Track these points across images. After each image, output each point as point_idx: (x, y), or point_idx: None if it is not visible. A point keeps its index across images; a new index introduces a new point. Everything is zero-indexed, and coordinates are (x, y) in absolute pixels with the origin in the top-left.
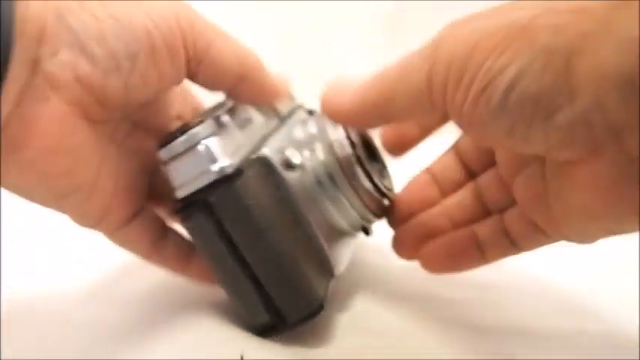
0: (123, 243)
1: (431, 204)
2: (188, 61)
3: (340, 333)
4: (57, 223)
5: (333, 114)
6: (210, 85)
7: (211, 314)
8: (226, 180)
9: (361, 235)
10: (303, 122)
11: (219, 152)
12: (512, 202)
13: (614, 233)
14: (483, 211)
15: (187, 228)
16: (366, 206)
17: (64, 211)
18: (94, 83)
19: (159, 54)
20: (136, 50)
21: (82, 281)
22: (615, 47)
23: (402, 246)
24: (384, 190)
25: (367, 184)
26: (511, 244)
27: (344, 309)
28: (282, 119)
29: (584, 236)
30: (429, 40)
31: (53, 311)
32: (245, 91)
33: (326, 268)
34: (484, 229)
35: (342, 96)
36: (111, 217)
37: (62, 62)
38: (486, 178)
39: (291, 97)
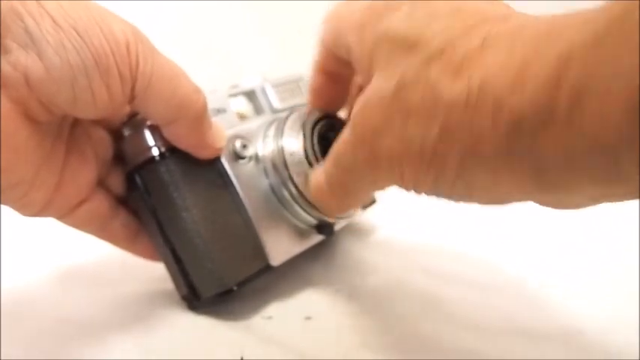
0: (72, 225)
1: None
2: (131, 90)
3: (339, 333)
4: (53, 222)
5: (330, 215)
6: (144, 115)
7: (211, 314)
8: (151, 161)
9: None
10: (280, 117)
11: (158, 136)
12: None
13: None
14: None
15: (129, 201)
16: (310, 204)
17: (3, 203)
18: (44, 89)
19: (112, 77)
20: (93, 68)
21: (80, 281)
22: (530, 175)
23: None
24: None
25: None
26: None
27: (343, 309)
28: (276, 112)
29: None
30: (350, 161)
31: (52, 311)
32: (174, 134)
33: (259, 255)
34: None
35: (324, 198)
36: (54, 208)
37: (14, 62)
38: None
39: (302, 93)
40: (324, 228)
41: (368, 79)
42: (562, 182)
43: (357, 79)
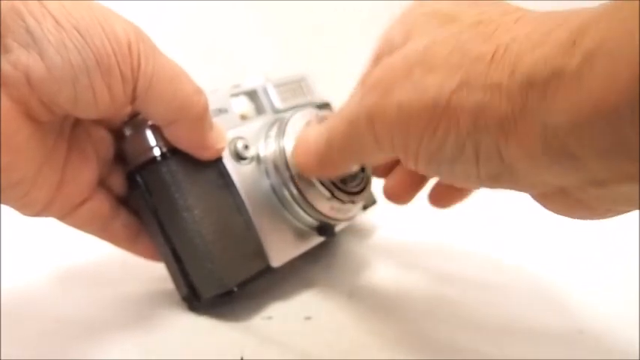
0: (73, 225)
1: None
2: (132, 90)
3: (339, 333)
4: (53, 222)
5: (305, 172)
6: (146, 115)
7: (211, 314)
8: (153, 161)
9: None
10: (282, 118)
11: (159, 136)
12: None
13: None
14: None
15: (130, 201)
16: (311, 205)
17: (3, 203)
18: (45, 89)
19: (114, 77)
20: (95, 68)
21: (80, 281)
22: (537, 134)
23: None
24: (335, 191)
25: (314, 181)
26: None
27: (343, 309)
28: (278, 112)
29: None
30: (354, 110)
31: (52, 311)
32: (175, 134)
33: (259, 256)
34: None
35: (308, 155)
36: (55, 208)
37: (15, 61)
38: None
39: (305, 93)
40: (325, 229)
41: None
42: (568, 148)
43: None
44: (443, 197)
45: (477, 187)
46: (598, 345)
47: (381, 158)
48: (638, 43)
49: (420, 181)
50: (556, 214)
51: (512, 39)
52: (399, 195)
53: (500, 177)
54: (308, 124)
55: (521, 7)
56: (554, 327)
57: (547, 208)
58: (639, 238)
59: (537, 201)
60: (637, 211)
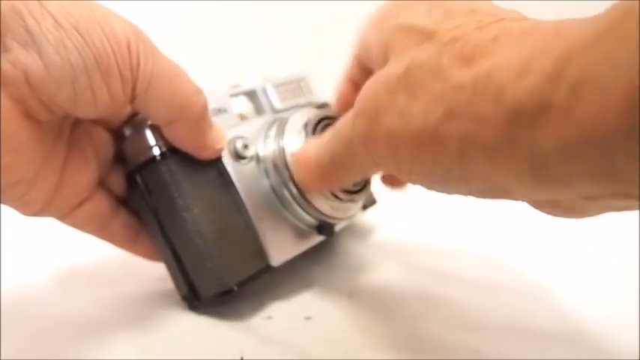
0: (72, 225)
1: None
2: (132, 90)
3: (339, 333)
4: (53, 222)
5: (307, 187)
6: (145, 115)
7: (211, 314)
8: (152, 161)
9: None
10: (281, 118)
11: (159, 136)
12: None
13: None
14: None
15: (130, 200)
16: (311, 205)
17: (3, 203)
18: (44, 88)
19: (113, 77)
20: (94, 68)
21: (80, 281)
22: (528, 163)
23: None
24: (336, 191)
25: None
26: None
27: (343, 309)
28: (277, 112)
29: None
30: (348, 135)
31: (52, 311)
32: (174, 134)
33: (259, 255)
34: None
35: (309, 171)
36: (54, 208)
37: (14, 60)
38: None
39: (304, 93)
40: (324, 228)
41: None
42: (558, 174)
43: None
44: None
45: (472, 197)
46: (597, 345)
47: (377, 172)
48: (624, 73)
49: None
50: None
51: (493, 66)
52: (395, 180)
53: (492, 192)
54: (304, 128)
55: (493, 10)
56: (553, 327)
57: (539, 210)
58: (639, 238)
59: (529, 205)
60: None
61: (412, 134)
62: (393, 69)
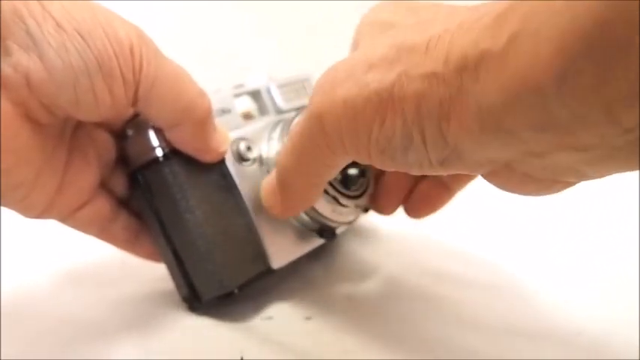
0: (73, 227)
1: None
2: (134, 93)
3: (339, 333)
4: (53, 223)
5: (274, 213)
6: (148, 118)
7: (211, 314)
8: (155, 162)
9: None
10: (285, 119)
11: (162, 137)
12: None
13: None
14: None
15: (132, 201)
16: (312, 208)
17: (5, 205)
18: (44, 91)
19: (115, 80)
20: (96, 70)
21: (80, 281)
22: (474, 113)
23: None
24: (337, 195)
25: None
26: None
27: (343, 309)
28: (281, 113)
29: None
30: (303, 120)
31: (52, 311)
32: (177, 137)
33: (260, 257)
34: None
35: (274, 198)
36: (55, 211)
37: (16, 64)
38: None
39: (308, 93)
40: (325, 232)
41: None
42: (502, 124)
43: None
44: (415, 208)
45: (432, 173)
46: (596, 347)
47: (336, 165)
48: (557, 20)
49: (404, 188)
50: (508, 192)
51: (445, 29)
52: (386, 206)
53: (450, 160)
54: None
55: (457, 9)
56: (552, 328)
57: (497, 186)
58: (639, 240)
59: (487, 180)
60: (637, 212)
61: (369, 99)
62: (354, 52)
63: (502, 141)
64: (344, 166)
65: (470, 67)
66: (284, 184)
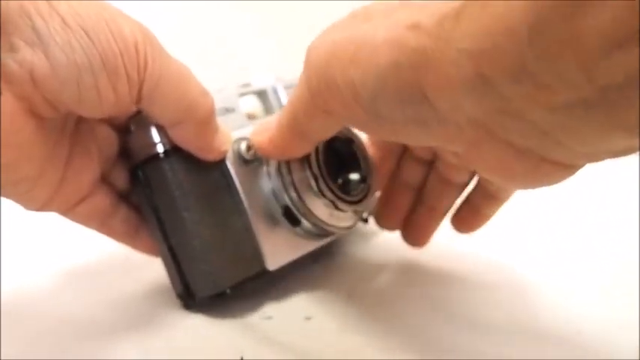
0: (73, 219)
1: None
2: (138, 91)
3: (339, 333)
4: (53, 222)
5: (263, 152)
6: (151, 116)
7: (211, 314)
8: (156, 158)
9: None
10: None
11: (164, 134)
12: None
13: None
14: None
15: (133, 195)
16: (310, 211)
17: (6, 197)
18: (48, 86)
19: (120, 77)
20: (100, 67)
21: (81, 281)
22: (453, 60)
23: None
24: (335, 199)
25: (314, 186)
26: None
27: (343, 309)
28: None
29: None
30: (302, 75)
31: (52, 311)
32: (179, 136)
33: (256, 258)
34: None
35: (265, 134)
36: (56, 204)
37: (21, 59)
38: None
39: None
40: (323, 235)
41: None
42: (480, 71)
43: None
44: (465, 222)
45: (409, 140)
46: (596, 346)
47: (324, 126)
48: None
49: (407, 204)
50: (497, 180)
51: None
52: (389, 220)
53: (427, 121)
54: None
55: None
56: (552, 328)
57: (480, 166)
58: (639, 239)
59: (469, 161)
60: (637, 211)
61: (353, 40)
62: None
63: (480, 91)
64: (332, 128)
65: (450, 14)
66: (280, 125)
